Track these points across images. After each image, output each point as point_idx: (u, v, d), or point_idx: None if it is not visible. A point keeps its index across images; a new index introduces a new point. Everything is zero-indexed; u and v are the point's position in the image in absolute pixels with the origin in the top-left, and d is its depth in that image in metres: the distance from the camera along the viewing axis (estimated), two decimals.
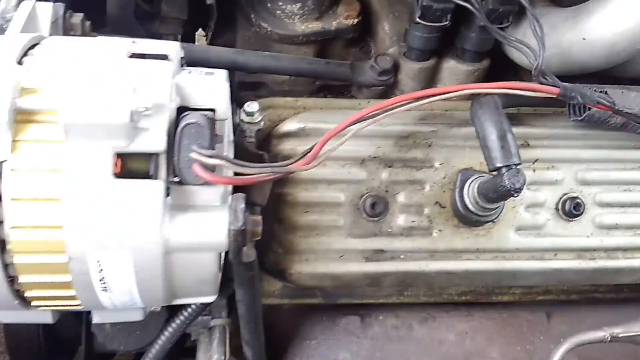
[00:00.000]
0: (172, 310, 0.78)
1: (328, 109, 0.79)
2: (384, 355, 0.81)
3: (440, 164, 0.75)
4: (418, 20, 0.80)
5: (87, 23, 0.71)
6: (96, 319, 0.65)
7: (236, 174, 0.54)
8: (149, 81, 0.53)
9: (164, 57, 0.58)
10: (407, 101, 0.67)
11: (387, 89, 0.92)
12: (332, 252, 0.72)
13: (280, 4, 0.89)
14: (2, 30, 0.65)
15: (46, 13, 0.68)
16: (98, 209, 0.51)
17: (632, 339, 0.76)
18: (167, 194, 0.53)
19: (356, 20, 0.93)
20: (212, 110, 0.56)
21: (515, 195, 0.65)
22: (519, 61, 0.85)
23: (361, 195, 0.73)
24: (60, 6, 0.68)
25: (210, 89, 0.56)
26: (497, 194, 0.66)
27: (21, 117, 0.51)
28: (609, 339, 0.74)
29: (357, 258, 0.72)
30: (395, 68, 0.89)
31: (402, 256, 0.73)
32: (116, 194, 0.51)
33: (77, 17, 0.70)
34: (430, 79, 0.91)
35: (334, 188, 0.72)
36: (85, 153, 0.51)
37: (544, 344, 0.84)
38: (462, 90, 0.68)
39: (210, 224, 0.54)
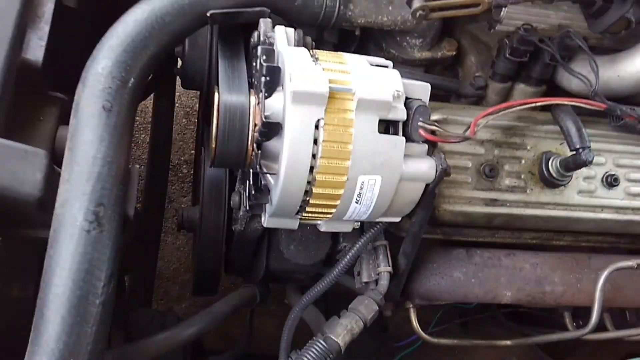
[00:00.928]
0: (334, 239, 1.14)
1: (454, 109, 1.16)
2: (484, 275, 1.17)
3: (531, 147, 1.13)
4: (508, 55, 1.17)
5: (313, 43, 1.04)
6: (324, 227, 0.99)
7: None
8: (392, 79, 0.89)
9: (386, 66, 0.95)
10: (518, 104, 1.04)
11: (477, 100, 1.29)
12: (464, 199, 1.09)
13: (408, 38, 1.23)
14: (270, 44, 0.99)
15: (291, 34, 1.02)
16: (368, 149, 0.86)
17: None
18: None
19: (454, 52, 1.30)
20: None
21: (588, 164, 1.02)
22: (567, 87, 1.22)
23: (481, 163, 1.10)
24: (300, 31, 1.01)
25: (422, 86, 0.92)
26: (576, 165, 1.04)
27: (331, 95, 0.86)
28: (636, 267, 1.12)
29: (479, 203, 1.10)
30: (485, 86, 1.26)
31: (507, 204, 1.10)
32: (379, 142, 0.86)
33: (309, 39, 1.04)
34: (507, 96, 1.28)
35: (465, 158, 1.09)
36: (364, 120, 0.86)
37: (587, 274, 1.21)
38: (552, 100, 1.07)
39: (425, 164, 0.90)
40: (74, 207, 0.80)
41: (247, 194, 0.98)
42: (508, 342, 1.31)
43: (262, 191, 0.92)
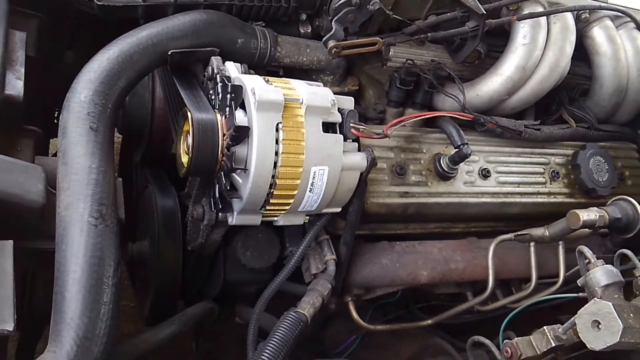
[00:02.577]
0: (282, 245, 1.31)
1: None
2: (405, 260, 1.40)
3: (426, 150, 1.41)
4: (398, 85, 1.47)
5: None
6: (281, 222, 1.15)
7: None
8: (327, 92, 1.12)
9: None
10: (416, 117, 1.32)
11: (380, 122, 1.56)
12: (384, 193, 1.33)
13: (322, 75, 1.49)
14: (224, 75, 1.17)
15: (238, 67, 1.21)
16: (317, 145, 1.06)
17: (521, 238, 1.44)
18: None
19: (357, 87, 1.57)
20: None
21: (469, 156, 1.32)
22: (442, 108, 1.54)
23: (392, 165, 1.35)
24: (245, 65, 1.21)
25: (347, 99, 1.16)
26: (460, 158, 1.33)
27: (285, 104, 1.06)
28: (513, 238, 1.42)
29: (395, 196, 1.35)
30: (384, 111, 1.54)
31: (416, 195, 1.36)
32: (324, 139, 1.07)
33: (252, 71, 1.24)
34: (399, 116, 1.57)
35: (381, 161, 1.34)
36: (311, 122, 1.07)
37: (479, 252, 1.48)
38: (436, 114, 1.37)
39: (358, 156, 1.12)
40: (79, 207, 0.89)
41: (215, 199, 1.11)
42: (429, 321, 1.51)
43: (233, 189, 1.07)
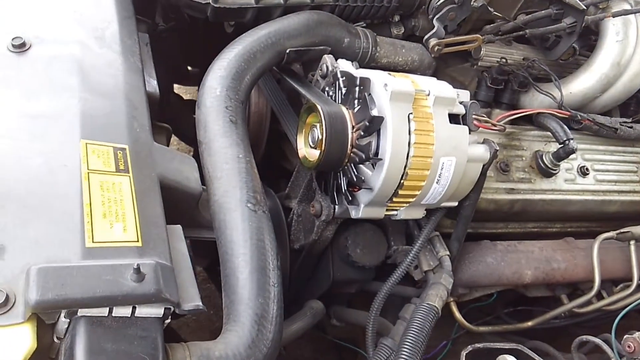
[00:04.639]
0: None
1: None
2: (509, 258, 1.46)
3: (526, 148, 1.48)
4: (489, 84, 1.56)
5: None
6: (402, 215, 1.22)
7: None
8: (447, 85, 1.20)
9: None
10: (521, 112, 1.41)
11: None
12: (492, 189, 1.40)
13: None
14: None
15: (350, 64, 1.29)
16: (445, 136, 1.14)
17: (622, 237, 1.50)
18: None
19: None
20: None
21: (575, 152, 1.39)
22: (529, 106, 1.63)
23: (497, 161, 1.42)
24: (356, 62, 1.30)
25: (464, 92, 1.24)
26: (566, 153, 1.40)
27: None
28: (615, 237, 1.48)
29: (502, 192, 1.41)
30: None
31: (522, 192, 1.42)
32: (452, 130, 1.15)
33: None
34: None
35: None
36: (439, 113, 1.14)
37: (578, 252, 1.54)
38: (538, 110, 1.45)
39: (481, 148, 1.20)
40: (236, 195, 0.97)
41: (341, 192, 1.18)
42: (529, 323, 1.56)
43: (362, 180, 1.13)
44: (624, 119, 1.66)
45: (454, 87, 1.62)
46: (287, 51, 1.24)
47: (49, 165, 0.80)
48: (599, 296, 1.63)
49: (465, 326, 1.48)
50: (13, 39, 0.96)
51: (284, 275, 1.38)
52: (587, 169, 1.55)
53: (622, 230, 1.53)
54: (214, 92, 1.10)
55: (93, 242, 0.73)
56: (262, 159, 1.70)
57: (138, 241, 0.76)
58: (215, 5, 1.27)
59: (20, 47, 0.96)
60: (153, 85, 1.12)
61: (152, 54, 1.30)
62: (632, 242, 1.54)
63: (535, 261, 1.50)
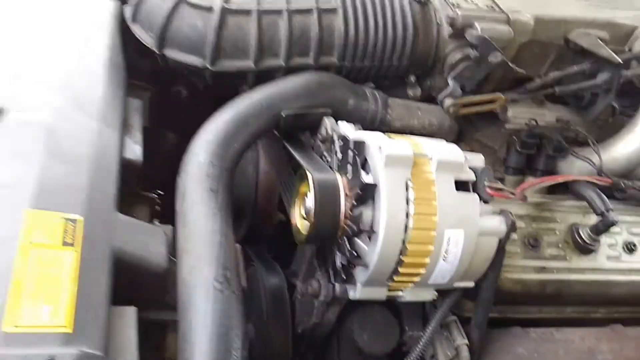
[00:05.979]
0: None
1: None
2: (543, 349, 1.30)
3: (560, 220, 1.35)
4: (519, 149, 1.45)
5: None
6: (408, 297, 1.11)
7: None
8: (455, 147, 1.11)
9: None
10: (551, 180, 1.29)
11: None
12: (518, 267, 1.27)
13: None
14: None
15: (351, 126, 1.23)
16: (450, 205, 1.04)
17: None
18: None
19: None
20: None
21: (615, 224, 1.25)
22: (567, 172, 1.50)
23: (524, 236, 1.30)
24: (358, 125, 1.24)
25: (477, 156, 1.14)
26: (605, 226, 1.27)
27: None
28: None
29: (531, 271, 1.28)
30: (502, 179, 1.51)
31: (554, 271, 1.29)
32: (458, 199, 1.05)
33: None
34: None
35: None
36: (443, 179, 1.05)
37: (627, 342, 1.37)
38: (573, 178, 1.33)
39: (496, 219, 1.09)
40: (204, 272, 0.90)
41: (336, 269, 1.10)
42: None
43: (358, 257, 1.04)
44: None
45: (484, 154, 1.55)
46: (283, 115, 1.20)
47: None
48: None
49: None
50: None
51: None
52: (634, 245, 1.39)
53: None
54: (197, 158, 1.06)
55: (15, 326, 0.68)
56: (278, 227, 1.63)
57: (67, 327, 0.70)
58: (213, 69, 1.26)
59: None
60: (136, 151, 1.10)
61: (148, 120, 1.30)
62: None
63: (576, 352, 1.33)
